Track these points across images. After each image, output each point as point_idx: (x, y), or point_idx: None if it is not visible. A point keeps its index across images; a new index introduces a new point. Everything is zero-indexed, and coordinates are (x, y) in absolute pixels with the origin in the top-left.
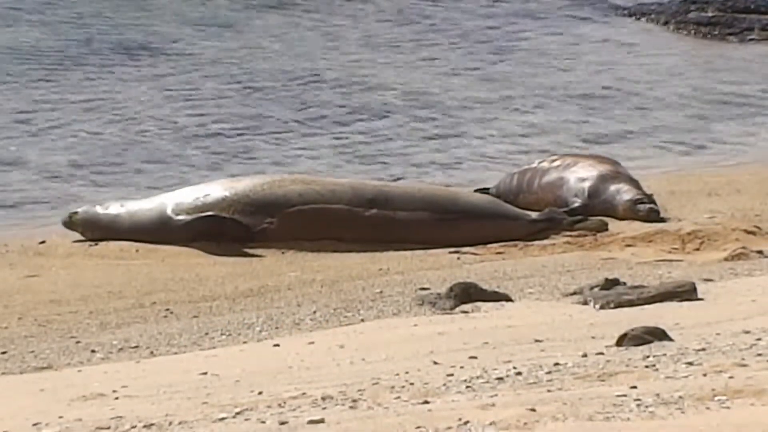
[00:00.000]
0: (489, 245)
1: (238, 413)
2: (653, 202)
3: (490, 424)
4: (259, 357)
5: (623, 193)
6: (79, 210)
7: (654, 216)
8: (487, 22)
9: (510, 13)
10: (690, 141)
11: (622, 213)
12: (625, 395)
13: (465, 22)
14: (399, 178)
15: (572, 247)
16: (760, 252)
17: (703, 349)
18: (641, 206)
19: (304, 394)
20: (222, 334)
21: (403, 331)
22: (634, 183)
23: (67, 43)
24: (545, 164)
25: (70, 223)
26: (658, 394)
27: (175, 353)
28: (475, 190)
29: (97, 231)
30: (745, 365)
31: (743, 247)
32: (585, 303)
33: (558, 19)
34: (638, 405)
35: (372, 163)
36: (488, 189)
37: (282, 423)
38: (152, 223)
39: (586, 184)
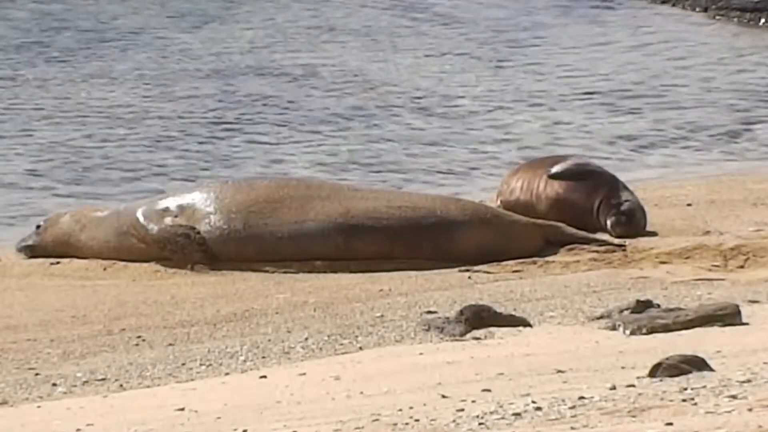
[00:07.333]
0: (504, 262)
1: None
2: None
3: None
4: (244, 390)
5: None
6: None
7: None
8: (500, 11)
9: (527, 0)
10: (732, 143)
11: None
12: None
13: (477, 11)
14: (400, 188)
15: (599, 265)
16: None
17: (749, 381)
18: None
19: None
20: (201, 365)
21: (406, 361)
22: None
23: (22, 36)
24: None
25: None
26: None
27: (148, 386)
28: None
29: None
30: None
31: None
32: (613, 328)
33: (580, 6)
34: None
35: (370, 170)
36: None
37: None
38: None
39: None
